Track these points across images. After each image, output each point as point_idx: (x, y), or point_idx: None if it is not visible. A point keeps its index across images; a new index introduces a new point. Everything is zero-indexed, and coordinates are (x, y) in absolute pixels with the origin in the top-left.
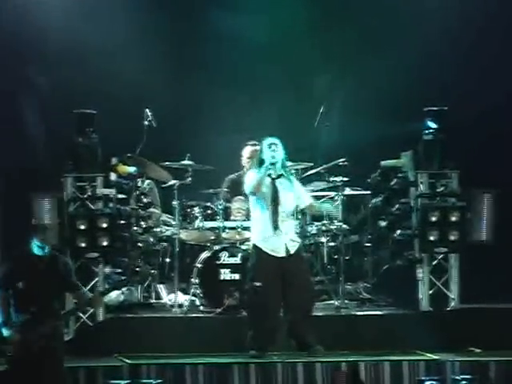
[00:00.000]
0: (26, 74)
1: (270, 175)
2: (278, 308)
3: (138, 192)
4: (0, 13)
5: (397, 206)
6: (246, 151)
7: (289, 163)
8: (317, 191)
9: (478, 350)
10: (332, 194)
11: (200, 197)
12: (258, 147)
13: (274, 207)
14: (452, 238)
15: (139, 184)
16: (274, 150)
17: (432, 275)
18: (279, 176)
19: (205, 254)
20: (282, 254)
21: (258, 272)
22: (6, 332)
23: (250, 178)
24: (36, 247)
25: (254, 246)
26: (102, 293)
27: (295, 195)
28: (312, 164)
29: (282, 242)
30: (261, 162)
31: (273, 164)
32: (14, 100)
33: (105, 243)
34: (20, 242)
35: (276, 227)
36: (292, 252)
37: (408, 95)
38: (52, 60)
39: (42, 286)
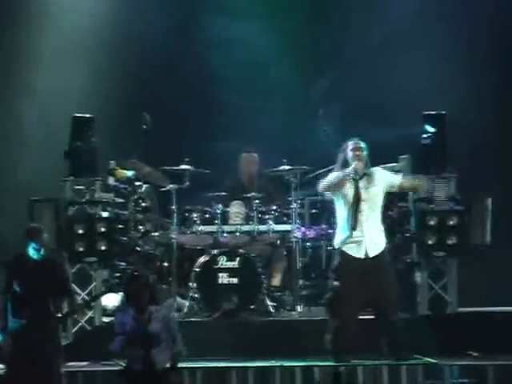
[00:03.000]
0: (25, 75)
1: (353, 178)
2: (357, 312)
3: (136, 196)
4: None
5: (395, 209)
6: (242, 158)
7: (287, 167)
8: (316, 195)
9: (477, 354)
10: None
11: (198, 201)
12: (255, 154)
13: (355, 207)
14: (450, 242)
15: (137, 188)
16: (356, 155)
17: (430, 279)
18: (363, 176)
19: (203, 259)
20: (361, 255)
21: (337, 273)
22: (2, 336)
23: (325, 180)
24: (32, 250)
25: (338, 249)
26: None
27: (383, 186)
28: (311, 168)
29: (362, 243)
30: (344, 164)
31: (351, 173)
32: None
33: (103, 247)
34: (17, 246)
35: (356, 228)
36: (371, 255)
37: (406, 99)
38: (50, 63)
39: (39, 289)
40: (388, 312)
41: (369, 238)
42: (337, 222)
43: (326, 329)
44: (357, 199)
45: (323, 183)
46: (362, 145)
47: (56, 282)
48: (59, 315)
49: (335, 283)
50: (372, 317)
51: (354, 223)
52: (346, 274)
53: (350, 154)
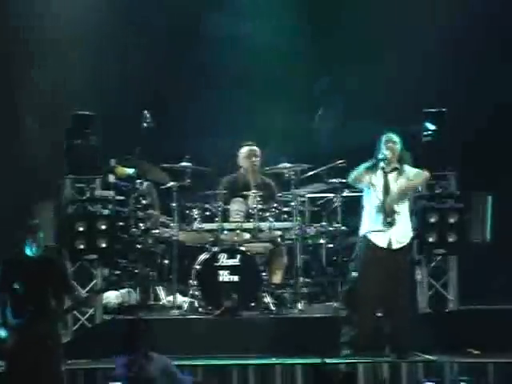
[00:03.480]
0: (25, 74)
1: (383, 169)
2: (376, 303)
3: (136, 194)
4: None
5: None
6: (243, 151)
7: (287, 165)
8: (315, 193)
9: (477, 352)
10: (331, 195)
11: (199, 198)
12: (255, 147)
13: (384, 200)
14: (450, 239)
15: (138, 186)
16: (388, 146)
17: (431, 277)
18: (393, 170)
19: (203, 256)
20: (385, 245)
21: (359, 262)
22: (3, 333)
23: (355, 170)
24: (29, 248)
25: (363, 237)
26: (98, 291)
27: (409, 182)
28: (311, 165)
29: (388, 234)
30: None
31: (381, 160)
32: (13, 100)
33: (103, 245)
34: (16, 244)
35: (384, 220)
36: (395, 247)
37: (406, 96)
38: (50, 61)
39: (37, 286)
40: (399, 310)
41: (395, 230)
42: (364, 212)
43: (343, 321)
44: (386, 190)
45: (351, 174)
46: (395, 138)
47: (54, 278)
48: (60, 311)
49: (354, 274)
50: (378, 314)
51: (385, 213)
52: (368, 262)
53: (382, 146)
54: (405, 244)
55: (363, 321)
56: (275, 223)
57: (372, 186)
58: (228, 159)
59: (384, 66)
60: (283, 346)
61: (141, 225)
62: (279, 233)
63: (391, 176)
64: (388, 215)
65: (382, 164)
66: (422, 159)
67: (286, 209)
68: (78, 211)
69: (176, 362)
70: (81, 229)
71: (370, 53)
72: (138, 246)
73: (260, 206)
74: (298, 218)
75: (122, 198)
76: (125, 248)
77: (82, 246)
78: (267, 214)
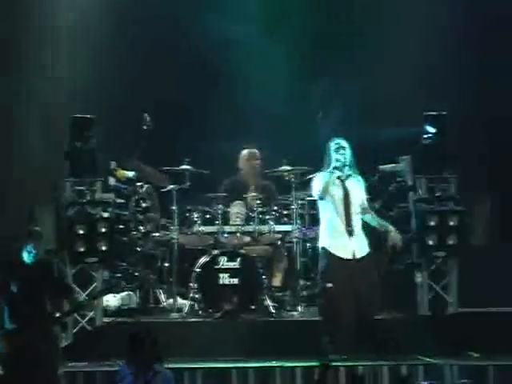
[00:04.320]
0: (24, 76)
1: (339, 177)
2: (350, 310)
3: (136, 197)
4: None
5: (395, 210)
6: (244, 154)
7: (287, 167)
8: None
9: (477, 355)
10: None
11: (199, 201)
12: (255, 150)
13: (344, 209)
14: (450, 242)
15: (138, 188)
16: (341, 153)
17: (431, 279)
18: (348, 176)
19: (203, 259)
20: (349, 256)
21: (327, 275)
22: None
23: (317, 182)
24: (27, 253)
25: (323, 248)
26: (98, 294)
27: (362, 197)
28: (311, 168)
29: (350, 244)
30: (329, 164)
31: (337, 168)
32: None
33: (104, 248)
34: (15, 248)
35: (346, 229)
36: (358, 256)
37: (407, 99)
38: (50, 63)
39: (32, 291)
40: (371, 313)
41: (356, 240)
42: (322, 223)
43: (321, 331)
44: (347, 200)
45: (317, 191)
46: (345, 144)
47: (50, 282)
48: (58, 315)
49: (328, 285)
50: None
51: (346, 224)
52: (335, 275)
53: (333, 154)
54: (367, 252)
55: (342, 327)
56: (275, 226)
57: (331, 197)
58: (228, 162)
59: (384, 68)
60: (283, 348)
61: (141, 228)
62: (279, 236)
63: (347, 183)
64: (348, 224)
65: (336, 173)
66: (422, 162)
67: (286, 211)
68: (78, 214)
69: (176, 365)
70: (81, 231)
71: (370, 55)
72: (138, 249)
73: (260, 209)
74: (298, 221)
75: (122, 200)
76: (125, 251)
77: (82, 249)
78: (267, 216)
